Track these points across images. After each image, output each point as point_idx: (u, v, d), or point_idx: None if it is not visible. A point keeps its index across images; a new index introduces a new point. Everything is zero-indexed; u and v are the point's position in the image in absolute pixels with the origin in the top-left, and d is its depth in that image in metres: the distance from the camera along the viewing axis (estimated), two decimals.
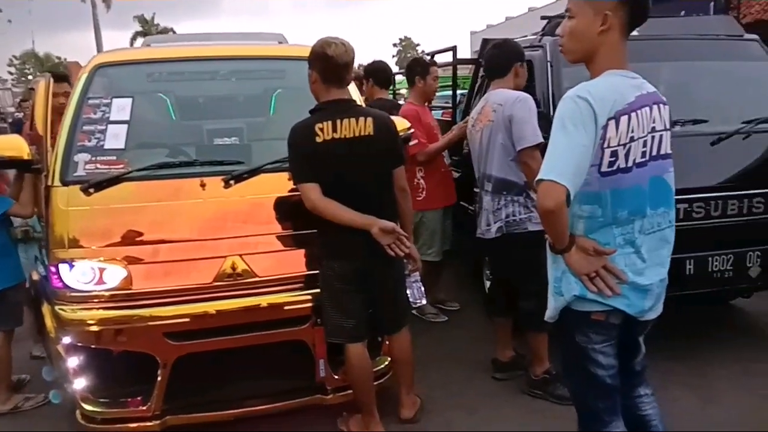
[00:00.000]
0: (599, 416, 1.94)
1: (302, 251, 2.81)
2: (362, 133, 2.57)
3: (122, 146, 2.87)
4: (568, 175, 1.66)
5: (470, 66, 5.29)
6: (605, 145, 1.73)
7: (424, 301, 3.17)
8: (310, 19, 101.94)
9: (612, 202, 1.78)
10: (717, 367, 3.47)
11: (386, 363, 3.00)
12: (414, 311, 4.18)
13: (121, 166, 2.81)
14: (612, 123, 1.72)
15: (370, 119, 2.59)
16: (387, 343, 2.97)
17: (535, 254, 2.76)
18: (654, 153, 1.83)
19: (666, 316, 3.73)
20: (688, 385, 3.29)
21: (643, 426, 2.07)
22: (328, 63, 2.54)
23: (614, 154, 1.74)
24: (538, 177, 1.70)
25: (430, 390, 3.26)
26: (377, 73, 4.62)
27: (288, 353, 2.82)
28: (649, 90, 1.84)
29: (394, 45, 61.00)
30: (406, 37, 61.51)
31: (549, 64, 3.57)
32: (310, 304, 2.73)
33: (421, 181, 4.20)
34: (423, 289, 3.11)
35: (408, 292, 2.99)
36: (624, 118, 1.73)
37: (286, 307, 2.71)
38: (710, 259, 3.38)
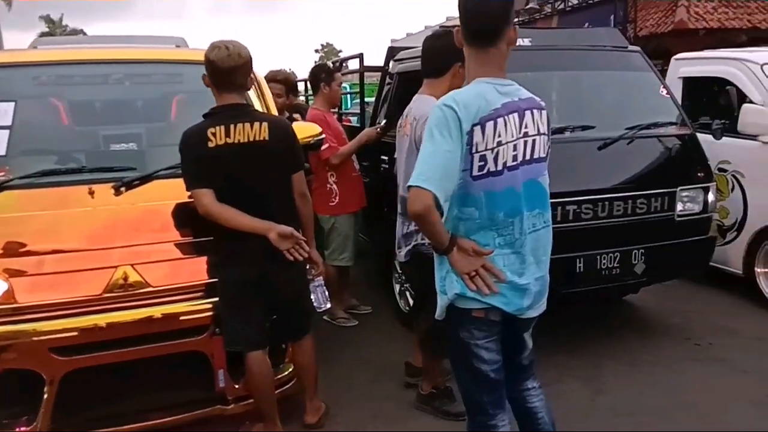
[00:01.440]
0: (485, 409, 2.03)
1: (199, 259, 2.75)
2: (256, 138, 2.55)
3: (3, 153, 2.73)
4: (435, 180, 1.75)
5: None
6: (473, 150, 1.82)
7: (328, 305, 3.15)
8: (230, 22, 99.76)
9: (487, 204, 1.86)
10: (607, 360, 3.67)
11: (290, 370, 2.98)
12: (325, 317, 4.19)
13: (2, 174, 2.67)
14: (477, 129, 1.81)
15: (265, 124, 2.57)
16: (291, 349, 2.95)
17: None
18: (528, 157, 1.91)
19: (560, 312, 3.94)
20: (581, 377, 3.47)
21: (531, 418, 2.17)
22: (212, 67, 2.52)
23: (483, 158, 1.83)
24: (408, 183, 1.78)
25: (336, 394, 3.27)
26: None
27: (188, 363, 2.75)
28: (523, 96, 1.93)
29: (317, 51, 60.82)
30: (328, 43, 61.42)
31: None
32: (207, 314, 2.68)
33: (334, 186, 4.24)
34: (327, 293, 3.12)
35: (312, 297, 2.99)
36: (489, 124, 1.82)
37: (182, 318, 2.64)
38: (598, 257, 3.58)
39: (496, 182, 1.86)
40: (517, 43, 3.99)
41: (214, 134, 2.49)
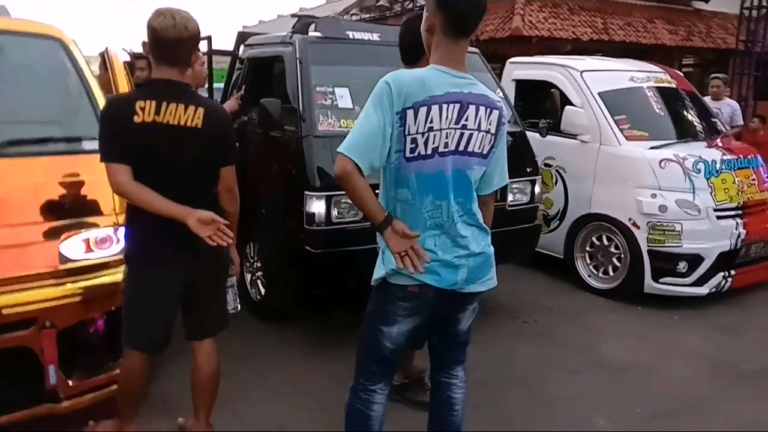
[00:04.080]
0: (370, 375, 2.18)
1: (26, 247, 2.53)
2: (188, 123, 2.31)
3: None
4: (356, 149, 1.88)
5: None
6: (406, 132, 1.91)
7: (238, 307, 2.85)
8: None
9: (418, 185, 1.96)
10: None
11: None
12: None
13: None
14: (410, 112, 1.89)
15: (201, 110, 2.34)
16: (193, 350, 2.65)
17: None
18: (461, 148, 1.97)
19: None
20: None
21: (447, 408, 2.30)
22: (154, 37, 2.27)
23: (414, 141, 1.92)
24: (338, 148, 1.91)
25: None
26: None
27: (17, 359, 2.51)
28: (475, 92, 1.97)
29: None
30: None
31: (298, 61, 3.68)
32: (35, 306, 2.47)
33: None
34: (237, 295, 2.85)
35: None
36: (422, 110, 1.89)
37: (5, 311, 2.42)
38: None
39: (425, 165, 1.94)
40: (366, 38, 4.17)
41: (143, 109, 2.24)
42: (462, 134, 1.96)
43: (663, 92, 5.43)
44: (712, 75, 7.64)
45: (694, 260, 4.54)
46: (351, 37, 3.94)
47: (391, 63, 4.01)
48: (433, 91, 1.91)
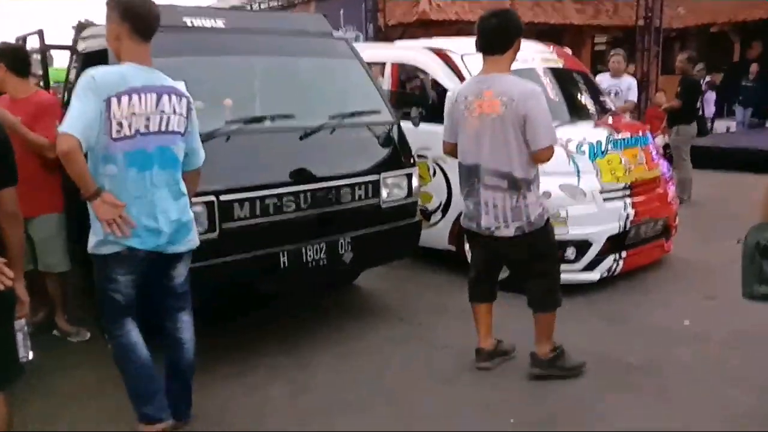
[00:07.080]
0: (115, 319, 2.57)
1: None
2: None
3: None
4: (79, 129, 2.24)
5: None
6: (111, 117, 2.31)
7: (30, 355, 2.48)
8: None
9: (124, 161, 2.38)
10: (320, 353, 3.59)
11: None
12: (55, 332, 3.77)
13: None
14: (114, 100, 2.31)
15: None
16: None
17: (548, 240, 3.23)
18: (163, 128, 2.46)
19: (275, 305, 3.63)
20: (287, 377, 3.33)
21: (178, 346, 2.70)
22: None
23: (119, 124, 2.34)
24: (59, 129, 2.24)
25: None
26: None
27: None
28: (165, 84, 2.49)
29: (74, 28, 54.51)
30: (87, 20, 55.43)
31: None
32: None
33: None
34: (29, 341, 2.46)
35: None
36: (125, 98, 2.34)
37: None
38: (304, 249, 3.46)
39: (129, 144, 2.36)
40: (208, 25, 3.75)
41: None
42: (161, 118, 2.43)
43: (550, 72, 5.23)
44: (612, 51, 7.61)
45: (582, 246, 4.38)
46: (189, 24, 3.52)
47: (238, 52, 3.68)
48: (133, 83, 2.36)
